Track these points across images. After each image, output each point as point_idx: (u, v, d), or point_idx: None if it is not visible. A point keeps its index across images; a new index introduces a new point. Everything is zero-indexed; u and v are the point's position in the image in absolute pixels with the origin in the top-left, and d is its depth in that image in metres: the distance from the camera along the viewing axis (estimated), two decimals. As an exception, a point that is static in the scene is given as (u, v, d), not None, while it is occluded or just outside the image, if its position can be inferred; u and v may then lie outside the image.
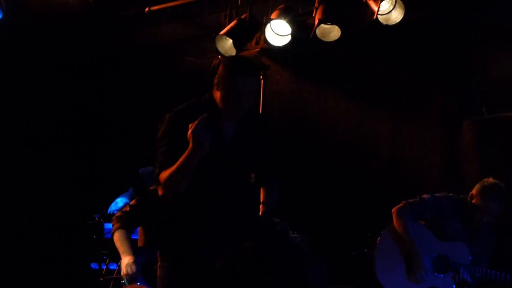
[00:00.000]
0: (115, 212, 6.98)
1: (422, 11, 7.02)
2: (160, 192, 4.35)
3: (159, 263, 4.48)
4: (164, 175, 4.29)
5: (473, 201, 5.85)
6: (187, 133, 4.14)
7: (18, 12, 8.02)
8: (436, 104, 7.18)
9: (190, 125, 4.12)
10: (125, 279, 5.65)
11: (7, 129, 8.24)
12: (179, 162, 4.21)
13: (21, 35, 8.12)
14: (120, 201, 7.33)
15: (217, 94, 4.38)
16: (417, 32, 7.07)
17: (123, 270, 5.61)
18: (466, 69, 7.06)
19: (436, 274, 5.82)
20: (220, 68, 4.39)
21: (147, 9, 8.28)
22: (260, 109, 6.11)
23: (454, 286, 5.74)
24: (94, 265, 6.92)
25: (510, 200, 6.34)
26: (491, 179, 5.88)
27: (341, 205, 7.31)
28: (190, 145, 4.13)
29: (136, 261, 5.58)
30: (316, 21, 6.79)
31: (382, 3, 6.54)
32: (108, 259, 6.37)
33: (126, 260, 5.62)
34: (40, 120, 8.37)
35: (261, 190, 4.72)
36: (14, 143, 8.25)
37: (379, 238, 6.07)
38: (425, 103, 7.24)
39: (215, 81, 4.39)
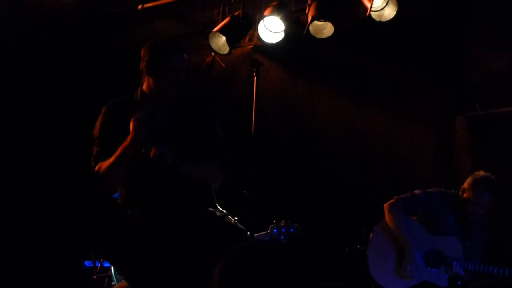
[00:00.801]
0: None
1: (415, 7, 7.03)
2: (101, 183, 4.43)
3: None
4: (102, 166, 4.39)
5: (465, 194, 5.87)
6: (120, 125, 4.28)
7: (12, 10, 8.00)
8: (429, 100, 7.20)
9: (133, 116, 4.25)
10: (114, 279, 5.64)
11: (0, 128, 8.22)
12: (117, 153, 4.31)
13: (14, 34, 8.10)
14: None
15: (150, 80, 4.51)
16: (410, 28, 7.08)
17: None
18: (459, 65, 7.07)
19: (429, 268, 5.83)
20: (147, 53, 4.56)
21: (140, 6, 8.27)
22: (254, 106, 6.10)
23: (447, 280, 5.76)
24: (88, 263, 6.91)
25: (505, 196, 6.38)
26: (482, 172, 5.91)
27: (335, 202, 7.31)
28: (130, 135, 4.24)
29: None
30: (309, 18, 6.80)
31: (375, 0, 6.55)
32: (102, 258, 6.36)
33: None
34: (34, 118, 8.35)
35: None
36: (7, 141, 8.23)
37: (371, 234, 6.08)
38: (418, 100, 7.26)
39: (145, 69, 4.54)
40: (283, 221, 5.93)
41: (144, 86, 4.58)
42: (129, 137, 4.26)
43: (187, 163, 4.40)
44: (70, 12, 8.34)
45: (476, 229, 5.95)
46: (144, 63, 4.55)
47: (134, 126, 4.24)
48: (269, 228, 5.89)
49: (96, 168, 4.45)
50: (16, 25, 8.12)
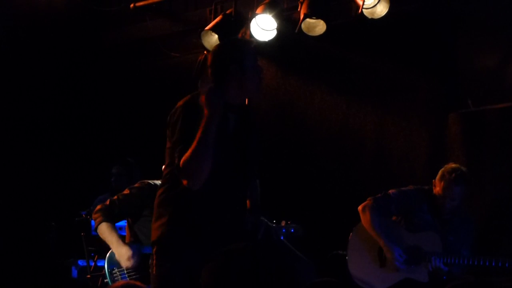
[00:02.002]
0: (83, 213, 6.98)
1: (407, 4, 7.03)
2: (184, 182, 4.13)
3: (155, 261, 4.30)
4: (185, 157, 4.07)
5: (436, 188, 5.86)
6: (198, 124, 4.04)
7: (2, 10, 7.98)
8: (422, 97, 7.20)
9: (203, 90, 4.06)
10: (108, 278, 5.63)
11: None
12: (198, 136, 4.04)
13: (5, 33, 8.08)
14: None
15: (234, 81, 4.27)
16: (402, 25, 7.08)
17: (124, 264, 5.57)
18: (451, 62, 7.07)
19: (409, 265, 5.83)
20: (228, 52, 4.34)
21: (132, 5, 8.26)
22: (246, 103, 6.09)
23: (427, 275, 5.75)
24: (81, 262, 6.91)
25: (499, 192, 6.40)
26: (452, 164, 5.89)
27: (327, 200, 7.32)
28: (206, 112, 4.03)
29: (134, 252, 5.54)
30: (302, 16, 6.79)
31: (367, -3, 6.56)
32: (96, 256, 6.36)
33: (124, 252, 5.57)
34: (25, 117, 8.34)
35: None
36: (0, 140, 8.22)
37: (349, 236, 6.09)
38: (411, 96, 7.26)
39: (226, 67, 4.28)
40: (283, 221, 5.93)
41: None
42: (205, 114, 4.04)
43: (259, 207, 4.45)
44: (61, 11, 8.32)
45: (458, 223, 5.94)
46: (222, 62, 4.33)
47: (207, 99, 4.04)
48: None
49: (180, 164, 4.10)
50: (7, 24, 8.10)
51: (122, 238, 5.73)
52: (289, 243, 5.83)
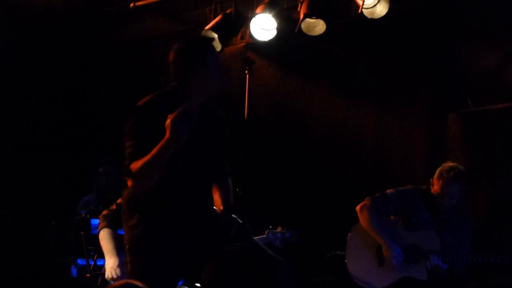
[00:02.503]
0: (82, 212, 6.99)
1: (406, 4, 7.02)
2: (129, 184, 4.25)
3: (128, 258, 4.38)
4: (136, 166, 4.19)
5: (434, 187, 5.89)
6: (156, 125, 4.10)
7: (2, 9, 7.98)
8: (421, 97, 7.20)
9: (169, 115, 4.07)
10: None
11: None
12: (153, 152, 4.13)
13: (4, 32, 8.08)
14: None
15: (198, 78, 4.35)
16: (402, 25, 7.08)
17: (108, 274, 5.63)
18: (451, 62, 7.07)
19: (407, 264, 5.84)
20: (190, 50, 4.41)
21: (132, 4, 8.26)
22: (246, 104, 6.09)
23: (426, 274, 5.77)
24: (81, 261, 6.91)
25: (499, 192, 6.40)
26: (449, 163, 5.94)
27: (327, 200, 7.31)
28: (167, 135, 4.07)
29: (120, 264, 5.58)
30: (301, 15, 6.79)
31: (367, -3, 6.56)
32: (96, 255, 6.36)
33: (110, 263, 5.63)
34: (24, 116, 8.34)
35: (214, 187, 4.62)
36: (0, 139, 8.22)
37: (348, 236, 6.11)
38: (410, 96, 7.26)
39: (189, 66, 4.37)
40: (279, 227, 5.97)
41: (182, 85, 4.44)
42: (166, 138, 4.09)
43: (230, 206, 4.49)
44: (61, 10, 8.32)
45: (456, 222, 5.96)
46: (184, 61, 4.41)
47: (172, 126, 4.06)
48: (265, 233, 5.93)
49: (130, 168, 4.23)
50: (6, 23, 8.10)
51: (120, 237, 5.75)
52: (285, 248, 5.87)
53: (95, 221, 6.37)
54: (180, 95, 4.36)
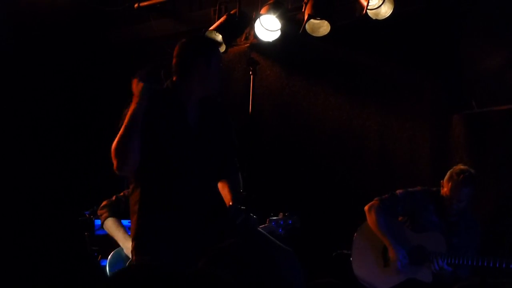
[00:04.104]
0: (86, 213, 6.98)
1: (411, 5, 7.02)
2: (114, 167, 4.28)
3: (134, 258, 4.39)
4: (114, 142, 4.27)
5: (444, 189, 5.89)
6: (150, 115, 4.21)
7: (7, 9, 7.99)
8: (425, 98, 7.20)
9: (134, 76, 4.23)
10: None
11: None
12: (125, 121, 4.23)
13: (10, 32, 8.08)
14: None
15: (199, 75, 4.37)
16: (406, 26, 7.07)
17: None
18: (455, 63, 7.06)
19: (413, 265, 5.85)
20: (198, 46, 4.46)
21: (136, 4, 8.26)
22: (250, 104, 6.11)
23: (431, 276, 5.77)
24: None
25: (503, 194, 6.39)
26: (460, 165, 5.94)
27: (330, 200, 7.31)
28: (134, 98, 4.21)
29: None
30: (306, 16, 6.79)
31: (372, -2, 6.56)
32: (100, 256, 6.36)
33: (130, 246, 5.58)
34: (29, 116, 8.34)
35: (223, 182, 4.63)
36: (4, 140, 8.22)
37: (354, 236, 6.12)
38: (414, 97, 7.25)
39: (193, 60, 4.40)
40: (280, 213, 5.93)
41: (179, 81, 4.48)
42: (133, 100, 4.23)
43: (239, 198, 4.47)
44: (66, 10, 8.32)
45: (464, 226, 5.96)
46: (190, 55, 4.45)
47: (136, 86, 4.22)
48: (267, 222, 5.90)
49: (111, 149, 4.30)
50: (11, 23, 8.10)
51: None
52: (288, 234, 5.84)
53: (99, 222, 6.36)
54: (178, 91, 4.39)
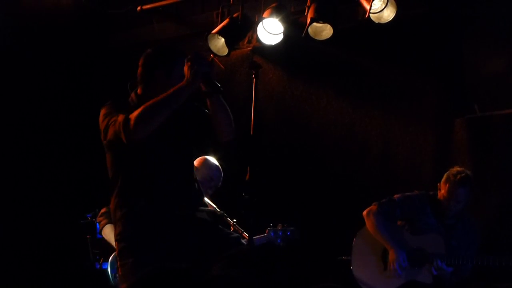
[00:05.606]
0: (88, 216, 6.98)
1: (414, 9, 7.02)
2: (124, 133, 4.20)
3: (119, 263, 4.33)
4: (138, 111, 4.18)
5: (442, 191, 5.93)
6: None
7: (9, 10, 7.99)
8: (428, 102, 7.20)
9: (187, 57, 4.20)
10: (112, 282, 5.63)
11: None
12: (168, 93, 4.19)
13: (12, 34, 8.09)
14: None
15: (161, 86, 4.35)
16: (409, 30, 7.08)
17: None
18: (458, 67, 7.07)
19: (413, 268, 5.86)
20: (159, 57, 4.47)
21: (139, 8, 8.25)
22: (252, 108, 6.09)
23: (432, 277, 5.78)
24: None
25: (505, 197, 6.39)
26: (456, 167, 5.98)
27: (333, 204, 7.31)
28: (185, 78, 4.17)
29: None
30: (308, 20, 6.79)
31: (374, 2, 6.55)
32: (102, 259, 6.36)
33: None
34: (31, 118, 8.34)
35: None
36: (5, 142, 8.22)
37: (353, 241, 6.13)
38: (417, 102, 7.26)
39: (154, 71, 4.43)
40: (279, 224, 5.98)
41: (142, 92, 4.50)
42: (184, 80, 4.19)
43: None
44: (69, 13, 8.33)
45: (462, 228, 5.99)
46: (151, 65, 4.48)
47: (191, 65, 4.19)
48: (266, 232, 5.94)
49: (129, 117, 4.19)
50: (13, 25, 8.11)
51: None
52: (286, 246, 5.88)
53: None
54: (141, 103, 4.33)
